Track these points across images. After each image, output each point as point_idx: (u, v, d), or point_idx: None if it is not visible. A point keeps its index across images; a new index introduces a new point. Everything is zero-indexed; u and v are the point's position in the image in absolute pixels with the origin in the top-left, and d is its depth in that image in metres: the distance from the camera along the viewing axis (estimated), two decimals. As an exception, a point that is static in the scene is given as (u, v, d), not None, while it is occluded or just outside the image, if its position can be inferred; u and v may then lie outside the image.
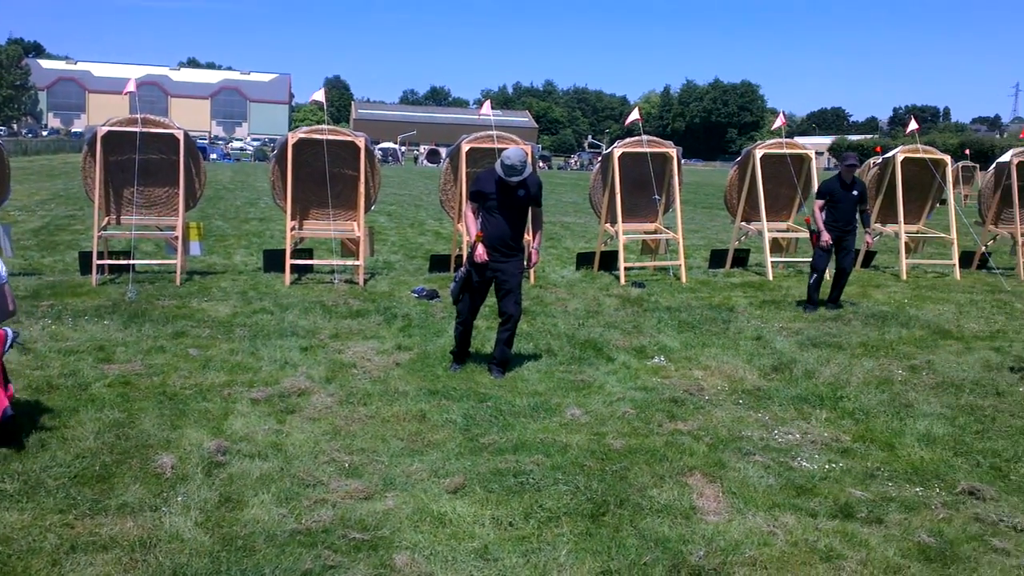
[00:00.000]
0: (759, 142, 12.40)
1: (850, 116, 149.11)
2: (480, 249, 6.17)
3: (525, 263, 6.52)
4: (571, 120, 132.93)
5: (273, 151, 10.53)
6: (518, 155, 6.09)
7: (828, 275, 9.50)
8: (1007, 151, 12.89)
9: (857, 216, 9.21)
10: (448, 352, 6.70)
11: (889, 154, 12.44)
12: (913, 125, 13.78)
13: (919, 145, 12.51)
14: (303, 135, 10.19)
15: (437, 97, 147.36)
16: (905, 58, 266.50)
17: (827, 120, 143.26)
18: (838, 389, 6.21)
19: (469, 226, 6.40)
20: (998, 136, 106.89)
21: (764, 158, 11.85)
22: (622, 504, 4.08)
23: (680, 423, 5.42)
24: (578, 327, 8.17)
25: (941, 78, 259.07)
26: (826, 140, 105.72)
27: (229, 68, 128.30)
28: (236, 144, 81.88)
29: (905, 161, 12.14)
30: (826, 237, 9.03)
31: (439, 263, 11.38)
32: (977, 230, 13.18)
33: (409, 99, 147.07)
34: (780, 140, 12.16)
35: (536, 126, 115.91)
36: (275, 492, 4.10)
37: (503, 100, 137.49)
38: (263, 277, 10.30)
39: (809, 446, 5.05)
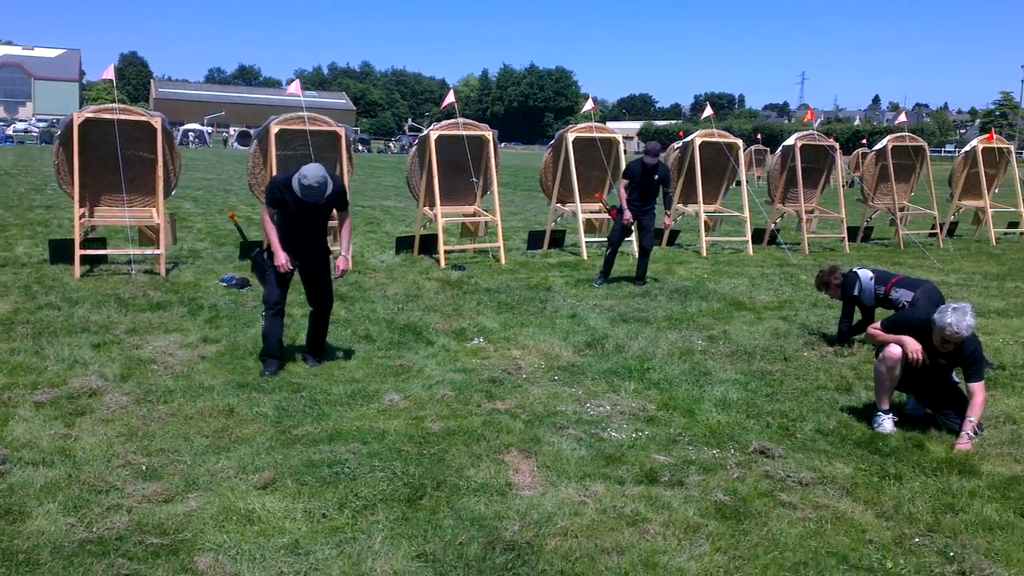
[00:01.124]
0: (571, 126, 12.76)
1: (656, 102, 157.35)
2: (282, 259, 5.78)
3: (332, 268, 6.09)
4: (390, 103, 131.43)
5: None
6: (316, 175, 5.53)
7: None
8: (792, 135, 14.02)
9: (659, 198, 9.74)
10: (260, 349, 6.34)
11: (688, 138, 13.18)
12: (709, 111, 14.69)
13: (715, 130, 13.35)
14: (90, 114, 9.38)
15: (247, 76, 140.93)
16: (705, 48, 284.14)
17: (636, 106, 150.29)
18: (645, 361, 6.51)
19: (267, 232, 5.91)
20: (787, 121, 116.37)
21: (576, 141, 12.21)
22: (439, 486, 4.07)
23: (498, 402, 5.49)
24: (397, 312, 8.08)
25: (737, 68, 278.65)
26: (635, 125, 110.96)
27: (9, 43, 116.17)
28: (20, 125, 74.57)
29: (703, 145, 12.91)
30: (628, 215, 9.50)
31: (250, 250, 10.87)
32: (767, 209, 14.26)
33: (216, 78, 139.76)
34: (591, 124, 12.57)
35: (354, 108, 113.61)
36: (62, 500, 3.76)
37: (319, 81, 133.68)
38: (50, 270, 9.42)
39: (618, 417, 5.26)
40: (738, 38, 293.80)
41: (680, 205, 13.38)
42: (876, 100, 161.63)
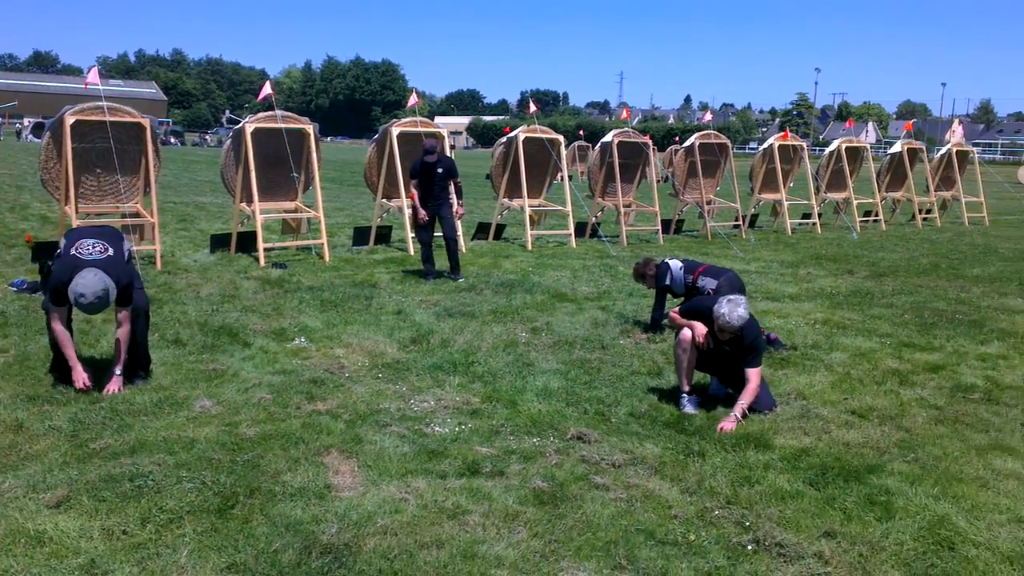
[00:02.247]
0: (395, 120, 12.65)
1: (484, 98, 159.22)
2: (79, 382, 5.19)
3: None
4: (206, 93, 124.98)
5: None
6: (94, 288, 4.83)
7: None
8: (610, 132, 14.59)
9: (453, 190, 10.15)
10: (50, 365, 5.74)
11: (512, 134, 13.41)
12: (533, 108, 15.03)
13: (537, 126, 13.67)
14: None
15: (42, 63, 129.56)
16: (531, 46, 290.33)
17: (464, 101, 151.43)
18: (470, 355, 6.56)
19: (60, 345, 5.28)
20: (608, 119, 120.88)
21: (401, 136, 12.11)
22: (253, 494, 3.91)
23: (319, 403, 5.35)
24: (212, 313, 7.71)
25: (561, 66, 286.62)
26: (463, 120, 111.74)
27: None
28: None
29: (526, 140, 13.18)
30: (422, 214, 9.74)
31: (44, 251, 10.00)
32: (588, 203, 14.78)
33: (7, 64, 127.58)
34: (415, 119, 12.52)
35: (165, 99, 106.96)
36: None
37: (125, 69, 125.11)
38: None
39: (442, 411, 5.28)
40: (562, 37, 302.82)
41: (506, 200, 13.59)
42: (688, 100, 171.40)
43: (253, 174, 10.83)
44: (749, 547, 3.61)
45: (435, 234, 10.14)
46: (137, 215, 10.37)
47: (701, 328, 5.37)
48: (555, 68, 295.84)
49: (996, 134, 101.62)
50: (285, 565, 3.28)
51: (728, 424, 5.03)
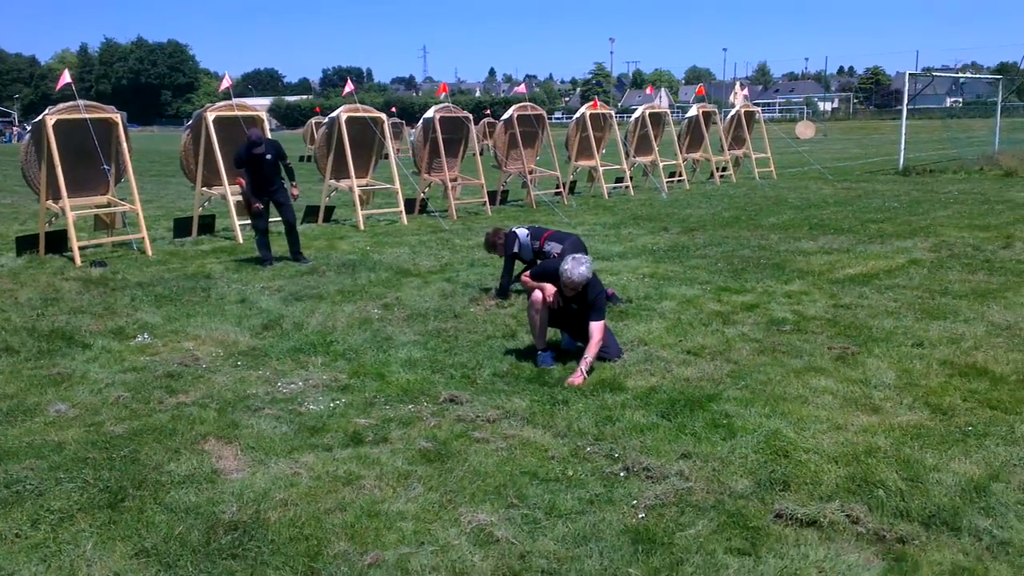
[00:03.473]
0: (209, 105, 12.21)
1: (284, 77, 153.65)
2: None
3: None
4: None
5: None
6: None
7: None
8: (430, 108, 14.78)
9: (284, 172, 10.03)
10: None
11: (334, 114, 13.30)
12: (350, 87, 14.94)
13: (359, 104, 13.62)
14: None
15: None
16: (330, 21, 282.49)
17: (263, 81, 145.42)
18: (327, 335, 6.64)
19: None
20: (415, 94, 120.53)
21: (217, 121, 11.73)
22: (140, 486, 3.89)
23: (182, 395, 5.28)
24: (37, 318, 7.29)
25: (362, 41, 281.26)
26: (265, 101, 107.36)
27: None
28: None
29: (348, 120, 13.12)
30: (255, 203, 9.59)
31: None
32: (416, 180, 14.94)
33: None
34: (231, 102, 12.14)
35: None
36: None
37: None
38: None
39: (312, 391, 5.37)
40: (362, 13, 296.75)
41: (332, 181, 13.49)
42: (492, 72, 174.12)
43: (59, 169, 10.16)
44: (621, 474, 4.04)
45: (272, 219, 9.98)
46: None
47: (551, 288, 5.77)
48: (356, 44, 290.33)
49: (773, 94, 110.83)
50: (195, 544, 3.34)
51: (576, 379, 5.41)
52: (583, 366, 5.49)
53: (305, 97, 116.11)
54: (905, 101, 24.56)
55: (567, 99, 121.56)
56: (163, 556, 3.26)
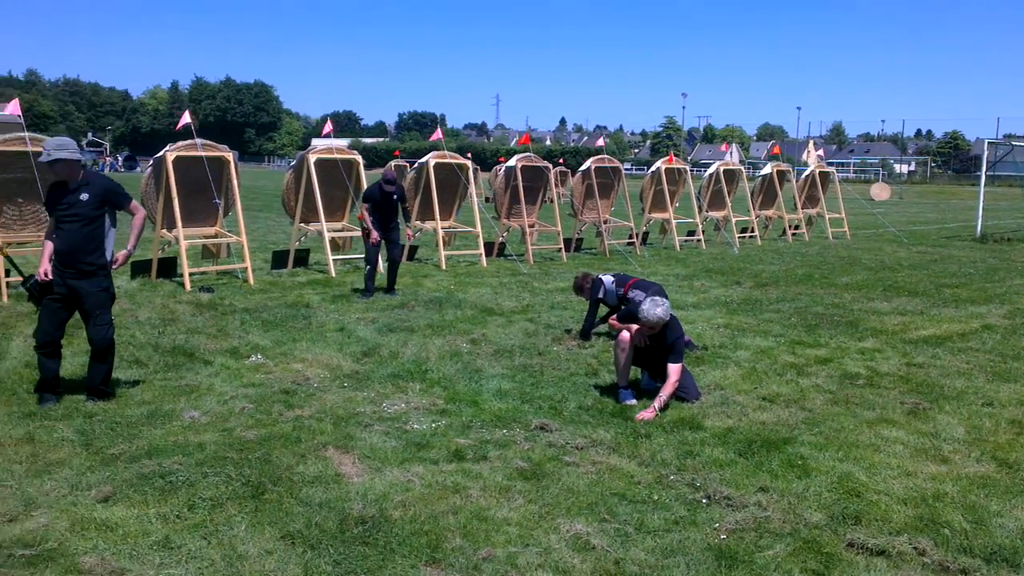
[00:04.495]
0: (312, 147, 13.09)
1: (361, 120, 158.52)
2: (44, 267, 5.68)
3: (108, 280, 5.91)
4: (64, 115, 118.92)
5: None
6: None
7: (383, 267, 10.78)
8: (512, 156, 15.46)
9: (401, 214, 10.74)
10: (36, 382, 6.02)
11: (423, 160, 14.07)
12: (438, 134, 15.75)
13: (446, 152, 14.38)
14: None
15: None
16: (406, 68, 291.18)
17: (341, 123, 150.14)
18: (422, 364, 7.18)
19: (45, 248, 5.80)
20: (487, 140, 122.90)
21: (318, 163, 12.57)
22: (277, 483, 4.43)
23: (299, 410, 5.85)
24: (159, 336, 8.01)
25: (436, 88, 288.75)
26: (343, 142, 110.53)
27: None
28: None
29: (436, 166, 13.87)
30: (375, 236, 10.28)
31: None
32: (496, 224, 15.57)
33: None
34: (331, 147, 13.00)
35: (20, 120, 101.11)
36: None
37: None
38: None
39: (414, 412, 5.89)
40: (436, 59, 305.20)
41: (418, 222, 14.22)
42: (563, 122, 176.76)
43: (176, 201, 11.06)
44: (703, 501, 4.43)
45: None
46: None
47: (637, 328, 6.22)
48: (431, 89, 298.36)
49: (848, 154, 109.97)
50: (332, 531, 3.86)
51: (647, 414, 5.80)
52: (657, 404, 5.90)
53: (381, 140, 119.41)
54: (984, 168, 24.42)
55: (636, 151, 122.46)
56: (307, 539, 3.78)
